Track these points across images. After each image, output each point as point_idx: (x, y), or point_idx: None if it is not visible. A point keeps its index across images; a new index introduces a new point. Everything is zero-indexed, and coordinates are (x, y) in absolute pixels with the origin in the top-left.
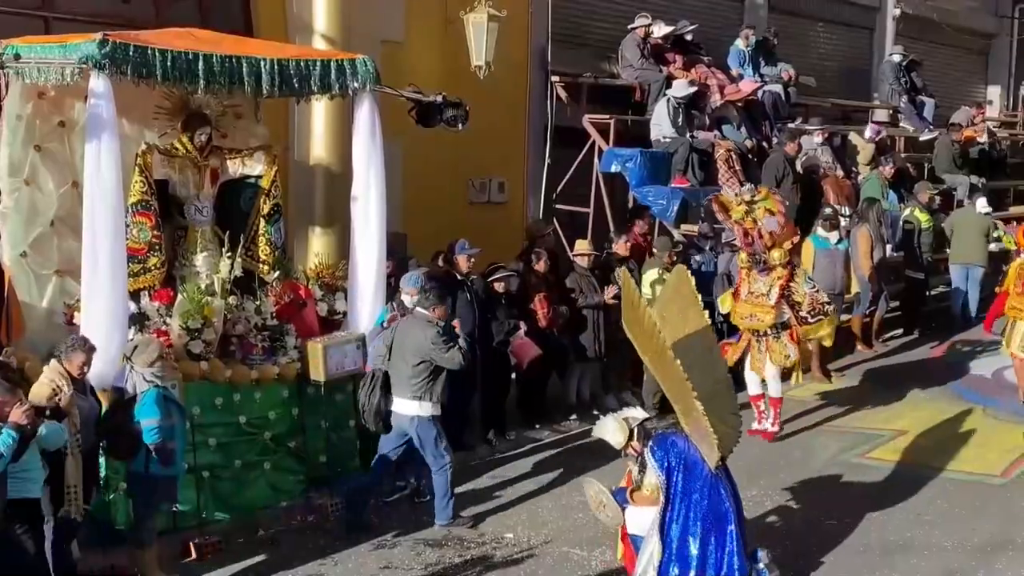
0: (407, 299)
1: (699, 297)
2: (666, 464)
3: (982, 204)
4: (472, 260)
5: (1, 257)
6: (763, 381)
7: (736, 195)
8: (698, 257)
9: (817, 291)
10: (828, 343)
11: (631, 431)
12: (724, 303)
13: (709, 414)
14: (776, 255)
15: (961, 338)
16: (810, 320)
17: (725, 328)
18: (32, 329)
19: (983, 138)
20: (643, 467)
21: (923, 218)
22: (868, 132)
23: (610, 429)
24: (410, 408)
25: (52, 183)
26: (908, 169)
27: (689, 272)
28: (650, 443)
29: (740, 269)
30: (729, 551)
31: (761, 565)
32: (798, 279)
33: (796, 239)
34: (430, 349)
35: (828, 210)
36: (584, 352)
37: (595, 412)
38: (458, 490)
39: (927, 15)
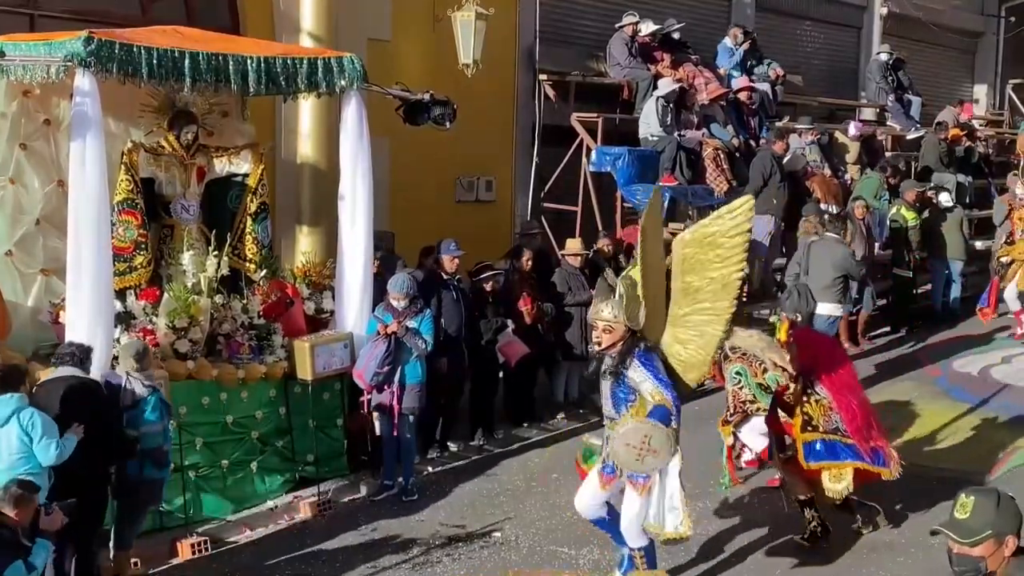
0: (395, 303)
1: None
2: (660, 375)
3: (945, 199)
4: (456, 261)
5: None
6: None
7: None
8: None
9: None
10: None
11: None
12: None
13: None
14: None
15: (948, 335)
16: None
17: None
18: (18, 328)
19: (969, 142)
20: (620, 381)
21: (910, 216)
22: (852, 130)
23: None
24: (833, 310)
25: (37, 181)
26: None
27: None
28: (637, 353)
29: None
30: None
31: None
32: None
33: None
34: (847, 264)
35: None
36: (571, 350)
37: (582, 411)
38: (447, 489)
39: (914, 14)
